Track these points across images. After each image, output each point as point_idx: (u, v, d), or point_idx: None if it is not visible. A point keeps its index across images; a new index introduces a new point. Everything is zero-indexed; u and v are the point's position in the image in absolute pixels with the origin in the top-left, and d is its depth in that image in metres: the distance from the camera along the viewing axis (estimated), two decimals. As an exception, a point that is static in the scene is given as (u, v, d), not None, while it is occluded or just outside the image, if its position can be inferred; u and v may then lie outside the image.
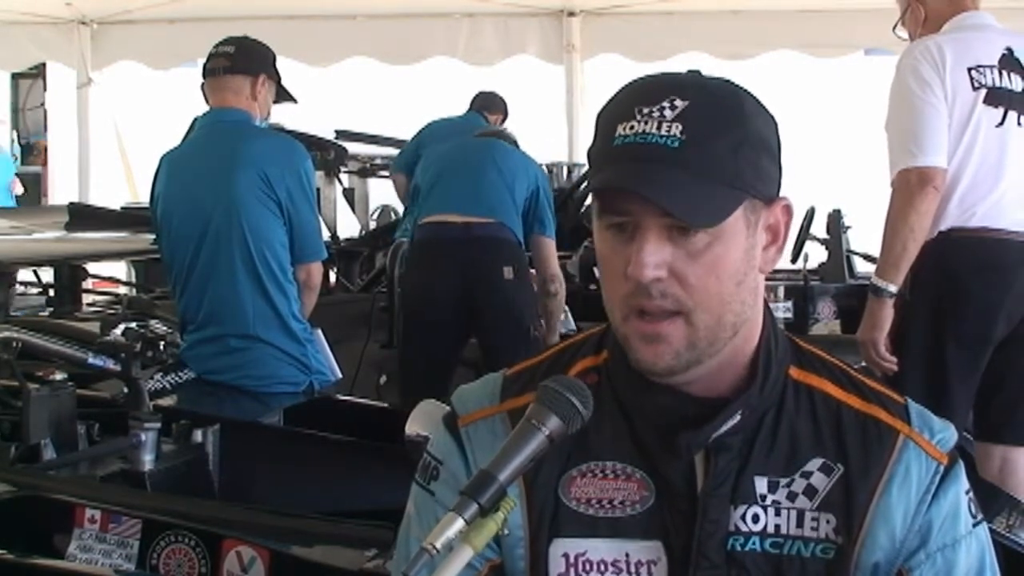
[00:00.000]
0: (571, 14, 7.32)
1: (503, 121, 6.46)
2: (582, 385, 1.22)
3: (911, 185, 2.97)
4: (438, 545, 1.11)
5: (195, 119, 3.47)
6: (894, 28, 3.35)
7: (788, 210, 1.28)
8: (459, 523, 1.12)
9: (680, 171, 1.18)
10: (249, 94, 3.37)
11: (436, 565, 1.12)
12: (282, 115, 4.22)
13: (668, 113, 1.19)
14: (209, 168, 3.31)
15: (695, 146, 1.19)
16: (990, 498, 2.57)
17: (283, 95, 3.51)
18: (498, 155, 4.46)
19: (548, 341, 4.43)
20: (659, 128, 1.19)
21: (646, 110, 1.20)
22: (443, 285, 4.22)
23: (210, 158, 3.32)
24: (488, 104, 6.33)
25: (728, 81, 1.27)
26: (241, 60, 3.38)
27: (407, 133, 6.47)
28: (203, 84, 3.42)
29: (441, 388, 4.25)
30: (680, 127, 1.19)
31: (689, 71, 1.29)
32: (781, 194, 1.28)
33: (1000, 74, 3.04)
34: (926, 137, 2.98)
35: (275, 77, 3.45)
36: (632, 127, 1.20)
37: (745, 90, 1.26)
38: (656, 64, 6.73)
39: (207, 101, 3.42)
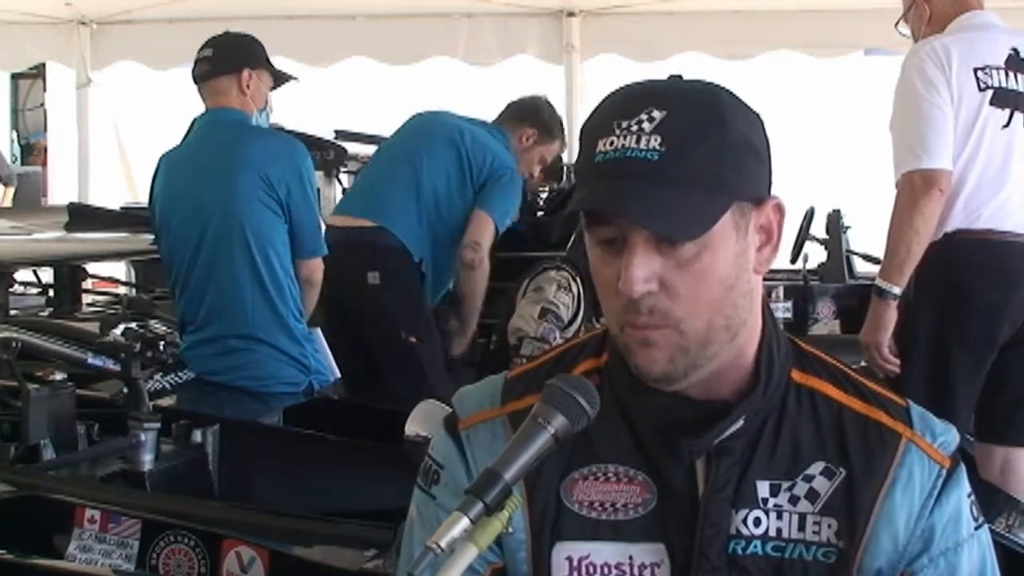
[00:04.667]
0: (571, 14, 7.30)
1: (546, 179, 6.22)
2: (588, 384, 1.21)
3: (916, 188, 2.97)
4: (443, 544, 1.10)
5: (194, 119, 3.47)
6: (896, 24, 3.34)
7: (780, 209, 1.28)
8: (464, 522, 1.12)
9: (662, 184, 1.18)
10: (237, 91, 3.37)
11: (440, 564, 1.11)
12: (282, 115, 4.21)
13: (646, 126, 1.19)
14: (208, 169, 3.31)
15: (675, 156, 1.18)
16: (990, 499, 2.57)
17: (280, 78, 3.50)
18: (439, 142, 4.11)
19: (455, 337, 4.18)
20: (638, 142, 1.19)
21: (624, 124, 1.20)
22: (325, 294, 3.78)
23: (209, 159, 3.32)
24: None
25: (707, 84, 1.26)
26: (220, 61, 3.37)
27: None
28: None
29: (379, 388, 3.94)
30: (659, 139, 1.18)
31: (670, 76, 1.29)
32: (773, 193, 1.27)
33: (1007, 75, 3.03)
34: (931, 139, 2.97)
35: (263, 66, 3.44)
36: (612, 143, 1.20)
37: (725, 91, 1.26)
38: (656, 64, 6.72)
39: (204, 102, 3.42)
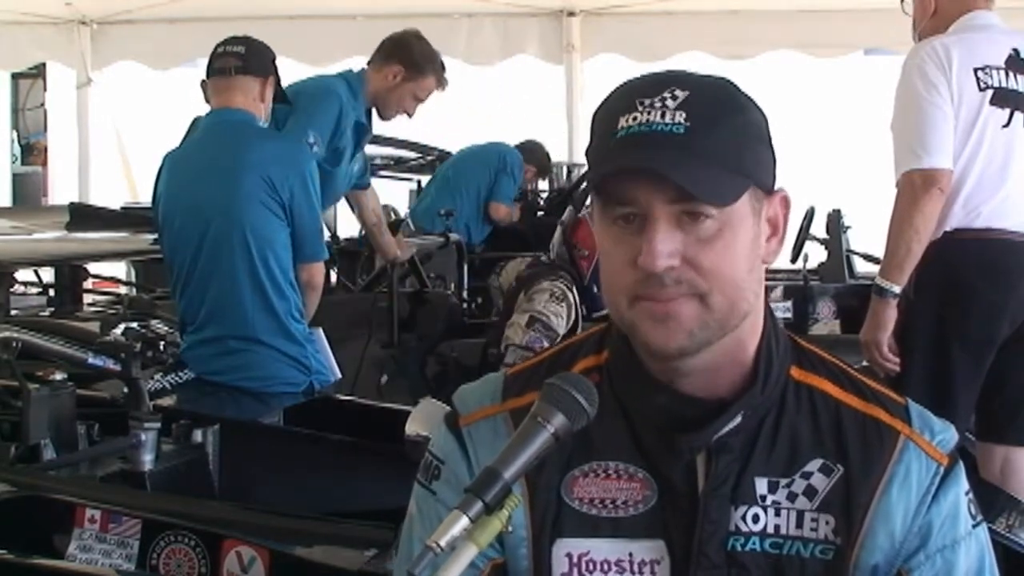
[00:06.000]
0: (571, 14, 7.32)
1: (537, 175, 6.87)
2: (588, 382, 1.21)
3: (916, 187, 2.97)
4: (442, 543, 1.10)
5: (196, 119, 3.46)
6: (902, 1, 3.35)
7: (786, 202, 1.29)
8: (464, 521, 1.12)
9: (688, 155, 1.18)
10: (257, 95, 3.35)
11: (440, 563, 1.11)
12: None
13: (670, 102, 1.20)
14: (212, 170, 3.30)
15: (701, 132, 1.19)
16: (991, 499, 2.57)
17: (277, 96, 3.49)
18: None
19: None
20: (663, 116, 1.19)
21: (648, 101, 1.20)
22: None
23: (213, 159, 3.31)
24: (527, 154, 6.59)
25: (720, 77, 1.28)
26: (253, 61, 3.35)
27: (406, 133, 6.46)
28: (205, 82, 3.39)
29: None
30: (684, 115, 1.19)
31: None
32: (778, 186, 1.28)
33: (1007, 75, 3.04)
34: (931, 139, 2.98)
35: (277, 78, 3.44)
36: (635, 117, 1.20)
37: (736, 85, 1.27)
38: (656, 64, 6.70)
39: (207, 99, 3.39)
